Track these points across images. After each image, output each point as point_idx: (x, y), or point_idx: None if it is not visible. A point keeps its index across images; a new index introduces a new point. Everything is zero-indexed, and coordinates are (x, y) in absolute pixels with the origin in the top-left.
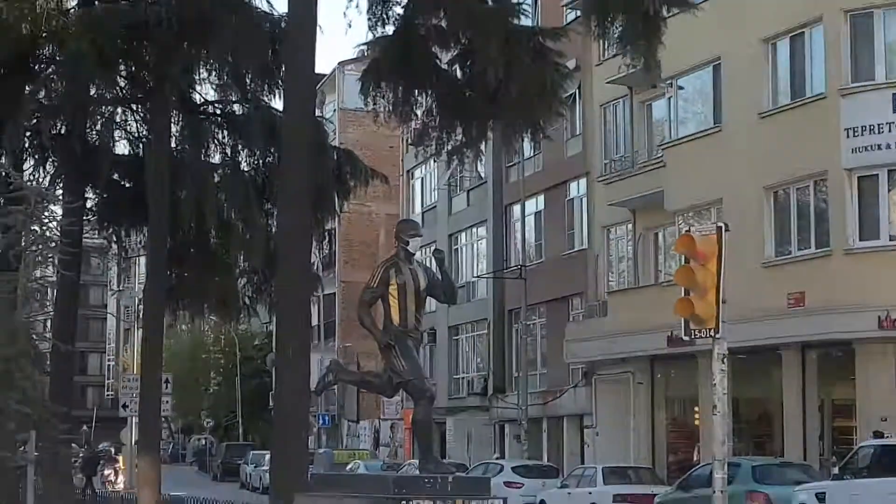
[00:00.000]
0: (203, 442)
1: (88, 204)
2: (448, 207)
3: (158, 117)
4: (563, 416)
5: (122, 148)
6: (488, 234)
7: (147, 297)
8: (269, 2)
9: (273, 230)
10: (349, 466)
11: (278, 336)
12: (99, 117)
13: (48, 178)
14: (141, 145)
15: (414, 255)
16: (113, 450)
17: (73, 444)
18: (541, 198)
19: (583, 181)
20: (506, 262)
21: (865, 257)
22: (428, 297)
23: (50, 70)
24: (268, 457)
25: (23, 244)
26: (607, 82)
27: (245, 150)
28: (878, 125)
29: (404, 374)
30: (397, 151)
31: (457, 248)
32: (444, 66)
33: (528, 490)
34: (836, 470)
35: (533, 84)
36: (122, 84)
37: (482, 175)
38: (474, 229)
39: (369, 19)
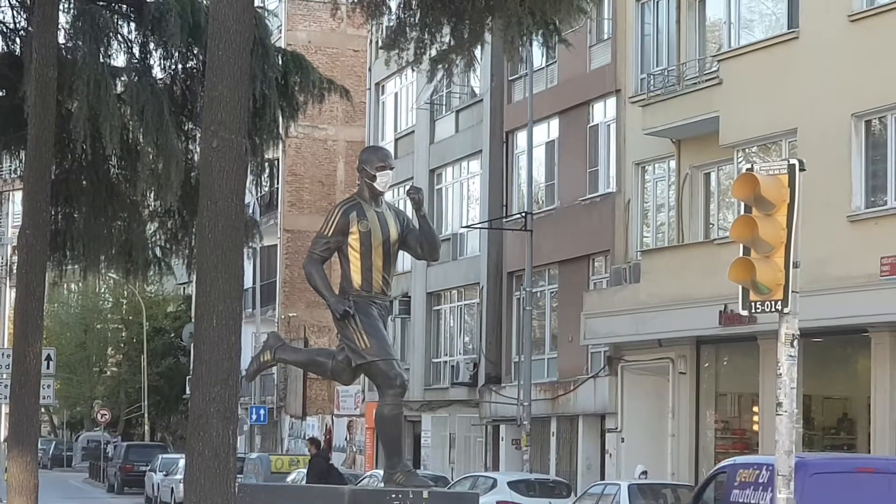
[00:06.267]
0: (96, 441)
1: None
2: (430, 134)
3: (42, 3)
4: (577, 415)
5: None
6: (483, 169)
7: (23, 245)
8: None
9: (195, 158)
10: (291, 477)
11: (199, 301)
12: None
13: None
14: (18, 40)
15: (383, 194)
16: None
17: None
18: (554, 123)
19: (611, 102)
20: (506, 208)
21: None
22: (401, 252)
23: None
24: (182, 462)
25: None
26: None
27: (158, 51)
28: None
29: (367, 355)
30: (363, 57)
31: (440, 188)
32: None
33: None
34: None
35: None
36: None
37: (476, 92)
38: (464, 163)
39: None
